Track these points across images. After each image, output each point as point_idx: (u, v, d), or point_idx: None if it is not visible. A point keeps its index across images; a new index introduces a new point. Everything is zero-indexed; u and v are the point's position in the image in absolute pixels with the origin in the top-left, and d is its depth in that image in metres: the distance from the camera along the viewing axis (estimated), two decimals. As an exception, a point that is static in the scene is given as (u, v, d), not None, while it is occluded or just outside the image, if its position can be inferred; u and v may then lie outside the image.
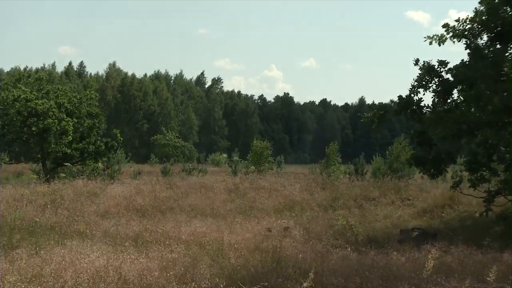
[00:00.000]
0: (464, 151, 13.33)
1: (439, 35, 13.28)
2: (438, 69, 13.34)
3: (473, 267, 9.14)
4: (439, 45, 13.31)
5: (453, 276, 8.32)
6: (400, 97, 13.52)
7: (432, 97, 13.40)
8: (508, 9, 12.35)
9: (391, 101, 15.24)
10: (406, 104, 13.37)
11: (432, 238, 11.91)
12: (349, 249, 10.58)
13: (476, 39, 13.00)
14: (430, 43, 13.30)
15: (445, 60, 13.36)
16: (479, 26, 12.86)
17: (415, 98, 13.34)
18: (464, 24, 13.02)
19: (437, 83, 13.32)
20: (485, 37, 13.01)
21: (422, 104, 13.38)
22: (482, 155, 12.78)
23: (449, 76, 13.26)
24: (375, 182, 21.00)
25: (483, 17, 12.70)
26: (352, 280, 8.27)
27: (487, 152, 12.63)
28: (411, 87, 13.50)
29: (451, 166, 16.10)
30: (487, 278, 7.63)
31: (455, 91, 13.27)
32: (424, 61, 13.51)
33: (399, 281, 8.17)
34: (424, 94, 13.45)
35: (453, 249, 10.33)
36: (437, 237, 12.18)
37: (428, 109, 13.33)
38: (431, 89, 13.36)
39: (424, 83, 13.34)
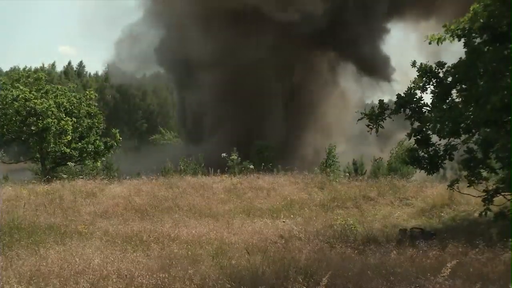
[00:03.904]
0: (461, 150, 13.33)
1: (438, 36, 13.33)
2: (436, 70, 13.40)
3: (472, 267, 9.16)
4: (438, 44, 13.35)
5: (452, 276, 8.33)
6: (399, 95, 13.59)
7: (431, 98, 13.45)
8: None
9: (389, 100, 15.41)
10: (406, 103, 13.42)
11: (431, 238, 11.93)
12: (348, 248, 10.60)
13: (474, 38, 13.01)
14: (430, 43, 13.35)
15: (443, 61, 13.44)
16: (477, 25, 12.87)
17: (416, 96, 13.42)
18: (462, 23, 13.03)
19: (435, 84, 13.38)
20: (483, 36, 13.01)
21: (421, 103, 13.43)
22: (481, 152, 12.78)
23: (447, 76, 13.30)
24: (374, 182, 21.00)
25: (479, 17, 12.71)
26: (352, 279, 8.28)
27: (485, 150, 12.64)
28: (407, 90, 13.58)
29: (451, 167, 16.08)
30: (486, 277, 7.65)
31: (453, 91, 13.31)
32: (421, 63, 13.60)
33: (399, 280, 8.18)
34: (421, 96, 13.52)
35: (452, 248, 10.34)
36: (436, 237, 12.20)
37: (427, 108, 13.37)
38: (428, 91, 13.43)
39: (421, 84, 13.42)
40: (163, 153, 43.95)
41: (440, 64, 13.36)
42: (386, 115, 13.67)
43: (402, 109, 13.55)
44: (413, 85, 13.50)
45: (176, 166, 28.01)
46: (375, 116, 13.63)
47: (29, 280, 8.30)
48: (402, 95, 13.56)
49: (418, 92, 13.47)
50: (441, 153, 13.26)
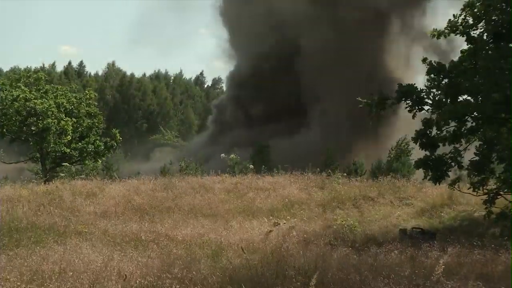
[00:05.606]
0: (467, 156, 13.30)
1: (438, 30, 13.39)
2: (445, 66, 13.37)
3: (472, 267, 9.16)
4: (437, 38, 13.44)
5: (452, 276, 8.33)
6: (400, 85, 13.52)
7: (438, 95, 13.38)
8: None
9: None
10: (407, 93, 13.34)
11: (431, 238, 11.94)
12: (348, 249, 10.59)
13: (476, 35, 13.01)
14: (433, 36, 13.46)
15: (452, 60, 13.44)
16: (476, 21, 12.88)
17: (418, 88, 13.37)
18: (463, 19, 13.03)
19: (442, 80, 13.35)
20: (484, 35, 13.02)
21: (422, 95, 13.37)
22: (484, 155, 12.74)
23: (453, 74, 13.28)
24: (373, 182, 20.98)
25: (479, 13, 12.74)
26: (353, 279, 8.27)
27: (487, 152, 12.61)
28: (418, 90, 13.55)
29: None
30: (486, 277, 7.65)
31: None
32: (430, 60, 13.58)
33: (400, 280, 8.17)
34: (430, 91, 13.46)
35: (452, 248, 10.34)
36: (436, 237, 12.21)
37: (429, 101, 13.30)
38: (438, 87, 13.36)
39: (430, 82, 13.38)
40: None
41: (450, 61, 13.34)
42: (387, 104, 13.57)
43: (403, 99, 13.47)
44: (428, 83, 13.42)
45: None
46: (374, 104, 13.49)
47: (29, 280, 8.30)
48: (404, 84, 13.53)
49: (434, 90, 13.37)
50: (449, 160, 13.16)
